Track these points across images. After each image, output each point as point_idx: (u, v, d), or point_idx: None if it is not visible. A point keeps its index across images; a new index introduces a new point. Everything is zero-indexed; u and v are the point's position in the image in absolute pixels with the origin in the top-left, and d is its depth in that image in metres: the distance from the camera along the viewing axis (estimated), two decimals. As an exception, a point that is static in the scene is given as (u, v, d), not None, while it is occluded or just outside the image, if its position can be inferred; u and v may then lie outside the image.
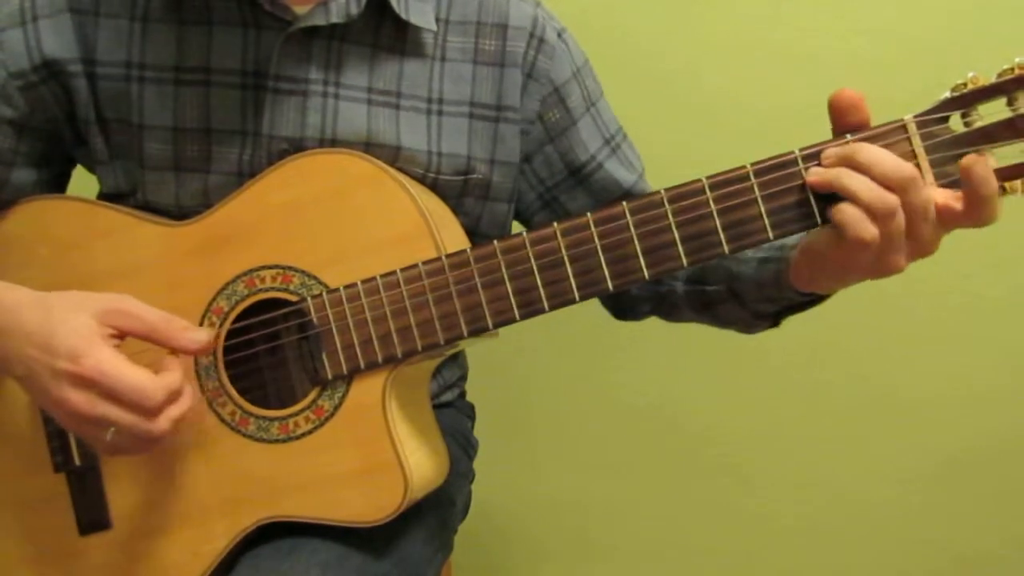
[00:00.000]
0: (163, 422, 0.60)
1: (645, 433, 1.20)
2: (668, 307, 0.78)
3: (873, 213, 0.55)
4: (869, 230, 0.55)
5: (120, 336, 0.61)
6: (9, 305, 0.62)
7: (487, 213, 0.76)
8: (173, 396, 0.60)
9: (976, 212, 0.55)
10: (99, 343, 0.59)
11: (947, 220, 0.56)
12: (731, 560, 1.21)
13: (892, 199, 0.55)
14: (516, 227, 0.79)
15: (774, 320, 0.72)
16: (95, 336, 0.60)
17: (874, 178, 0.55)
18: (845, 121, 0.58)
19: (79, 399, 0.59)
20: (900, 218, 0.55)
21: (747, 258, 0.69)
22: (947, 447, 1.15)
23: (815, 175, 0.58)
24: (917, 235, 0.56)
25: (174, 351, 0.62)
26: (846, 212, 0.56)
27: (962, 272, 1.10)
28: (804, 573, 1.21)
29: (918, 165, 0.57)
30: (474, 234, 0.75)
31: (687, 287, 0.75)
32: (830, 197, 0.57)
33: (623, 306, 0.82)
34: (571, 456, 1.22)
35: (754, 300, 0.69)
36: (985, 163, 0.54)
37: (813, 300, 0.67)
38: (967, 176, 0.55)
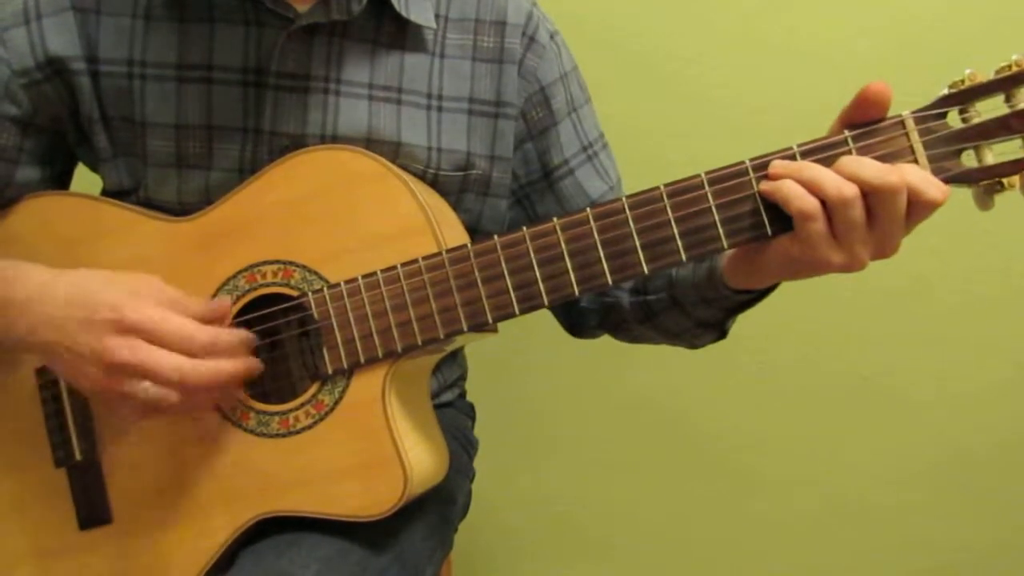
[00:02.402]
0: (203, 370, 0.60)
1: (645, 433, 1.20)
2: (615, 320, 0.78)
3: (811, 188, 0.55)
4: (809, 201, 0.55)
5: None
6: (35, 277, 0.63)
7: (487, 209, 0.76)
8: (217, 347, 0.61)
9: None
10: (140, 296, 0.61)
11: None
12: (731, 560, 1.21)
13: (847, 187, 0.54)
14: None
15: (720, 331, 0.72)
16: (134, 293, 0.61)
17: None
18: (864, 114, 0.57)
19: (119, 343, 0.59)
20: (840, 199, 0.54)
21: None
22: (947, 447, 1.15)
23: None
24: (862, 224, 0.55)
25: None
26: (785, 186, 0.56)
27: (962, 272, 1.10)
28: (803, 573, 1.20)
29: (916, 161, 0.58)
30: (475, 231, 0.75)
31: (632, 298, 0.75)
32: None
33: (573, 320, 0.82)
34: (571, 456, 1.22)
35: (692, 304, 0.70)
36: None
37: (752, 299, 0.67)
38: None
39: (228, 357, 0.63)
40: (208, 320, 0.63)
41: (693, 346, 0.76)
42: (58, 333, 0.61)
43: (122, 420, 0.67)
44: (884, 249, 0.57)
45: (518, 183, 0.78)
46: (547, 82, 0.75)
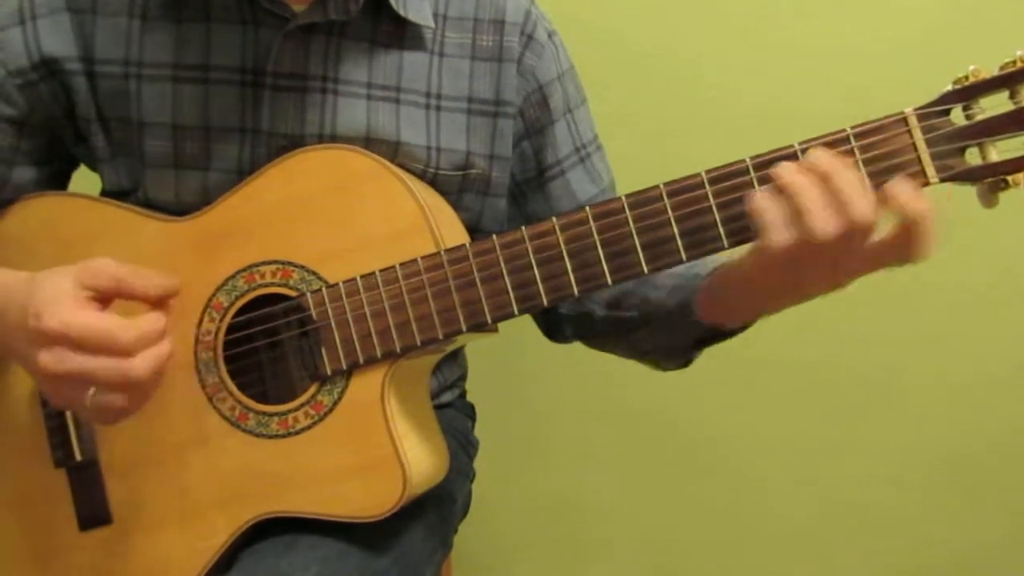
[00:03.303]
0: (141, 362, 0.57)
1: (645, 433, 1.20)
2: (587, 331, 0.78)
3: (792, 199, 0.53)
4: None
5: (100, 300, 0.60)
6: (4, 286, 0.62)
7: (487, 209, 0.76)
8: (147, 337, 0.58)
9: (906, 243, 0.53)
10: (66, 301, 0.57)
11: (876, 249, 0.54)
12: (731, 560, 1.21)
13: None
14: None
15: (685, 358, 0.72)
16: (64, 296, 0.58)
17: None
18: None
19: (47, 358, 0.56)
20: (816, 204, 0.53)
21: (661, 284, 0.69)
22: (946, 447, 1.14)
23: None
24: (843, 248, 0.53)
25: (146, 302, 0.61)
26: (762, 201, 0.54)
27: (962, 272, 1.09)
28: (803, 572, 1.20)
29: (919, 159, 0.57)
30: (475, 230, 0.75)
31: (605, 312, 0.75)
32: None
33: (550, 325, 0.82)
34: (571, 456, 1.22)
35: (661, 328, 0.69)
36: (918, 195, 0.52)
37: (716, 335, 0.67)
38: (896, 203, 0.52)
39: (163, 341, 0.59)
40: (157, 296, 0.61)
41: (659, 367, 0.76)
42: (16, 343, 0.60)
43: (89, 423, 0.66)
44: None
45: (514, 180, 0.78)
46: (545, 81, 0.75)
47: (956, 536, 1.15)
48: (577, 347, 1.11)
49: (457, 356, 0.90)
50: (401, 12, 0.69)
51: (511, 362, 1.19)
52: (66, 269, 0.60)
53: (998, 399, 1.12)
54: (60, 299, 0.58)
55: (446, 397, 0.88)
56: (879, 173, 0.57)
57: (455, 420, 0.88)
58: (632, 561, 1.23)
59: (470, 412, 0.94)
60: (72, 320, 0.57)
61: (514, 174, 0.77)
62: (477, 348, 0.87)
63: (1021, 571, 1.14)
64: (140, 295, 0.61)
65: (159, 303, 0.62)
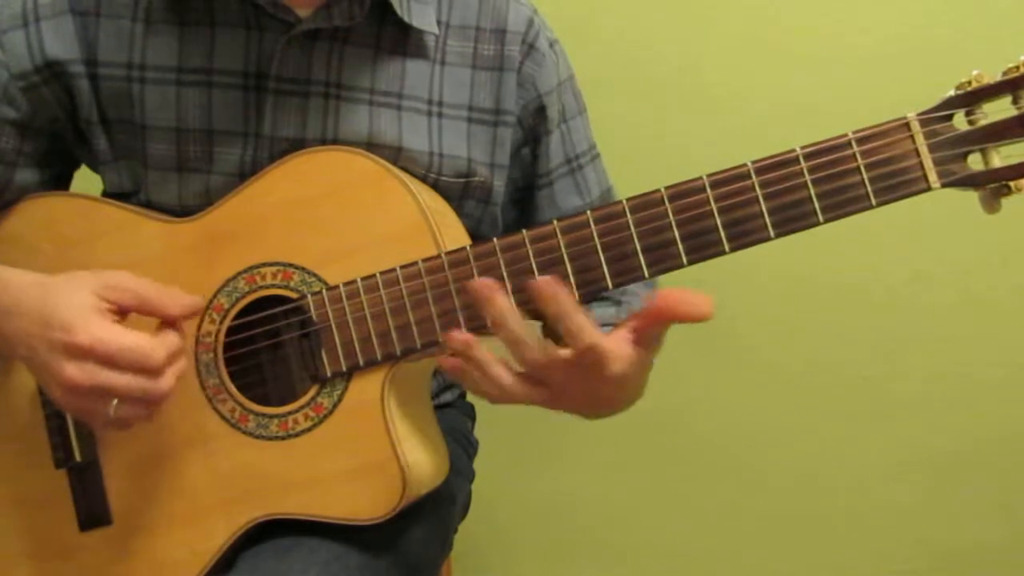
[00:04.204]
0: (168, 379, 0.60)
1: (645, 433, 1.20)
2: None
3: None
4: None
5: (119, 312, 0.61)
6: (13, 287, 0.63)
7: (487, 217, 0.76)
8: (173, 356, 0.61)
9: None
10: (94, 315, 0.59)
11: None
12: (731, 560, 1.21)
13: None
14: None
15: None
16: (90, 310, 0.59)
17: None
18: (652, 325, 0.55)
19: (76, 371, 0.57)
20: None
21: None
22: (946, 446, 1.14)
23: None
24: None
25: (168, 320, 0.62)
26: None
27: (962, 271, 1.09)
28: (803, 572, 1.20)
29: (921, 164, 0.57)
30: (474, 237, 0.75)
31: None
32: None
33: None
34: (571, 456, 1.22)
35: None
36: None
37: None
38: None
39: (182, 356, 0.62)
40: (181, 316, 0.62)
41: None
42: (28, 349, 0.60)
43: (99, 432, 0.67)
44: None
45: (515, 185, 0.78)
46: (544, 91, 0.75)
47: (957, 536, 1.15)
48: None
49: (458, 356, 0.89)
50: (405, 18, 0.69)
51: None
52: (83, 279, 0.61)
53: (998, 399, 1.12)
54: (88, 313, 0.59)
55: (446, 397, 0.88)
56: (881, 178, 0.57)
57: (455, 420, 0.88)
58: (632, 561, 1.23)
59: (470, 412, 0.94)
60: (105, 336, 0.58)
61: (514, 180, 0.77)
62: (477, 349, 0.87)
63: (1020, 571, 1.14)
64: (162, 315, 0.62)
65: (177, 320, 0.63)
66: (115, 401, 0.58)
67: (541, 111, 0.75)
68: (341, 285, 0.64)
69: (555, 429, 1.22)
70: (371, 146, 0.69)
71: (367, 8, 0.68)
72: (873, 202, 0.58)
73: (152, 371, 0.59)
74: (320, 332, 0.65)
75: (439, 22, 0.72)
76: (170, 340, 0.61)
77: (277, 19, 0.68)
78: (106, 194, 0.75)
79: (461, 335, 0.56)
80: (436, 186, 0.72)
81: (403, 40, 0.71)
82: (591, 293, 0.61)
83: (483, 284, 0.55)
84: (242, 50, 0.69)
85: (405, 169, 0.70)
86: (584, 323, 0.54)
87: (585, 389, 0.57)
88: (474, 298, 0.55)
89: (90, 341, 0.57)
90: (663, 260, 0.60)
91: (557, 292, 0.53)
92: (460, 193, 0.73)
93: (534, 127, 0.75)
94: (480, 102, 0.72)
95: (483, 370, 0.56)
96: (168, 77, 0.69)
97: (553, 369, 0.55)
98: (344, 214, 0.65)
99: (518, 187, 0.78)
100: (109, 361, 0.58)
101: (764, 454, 1.18)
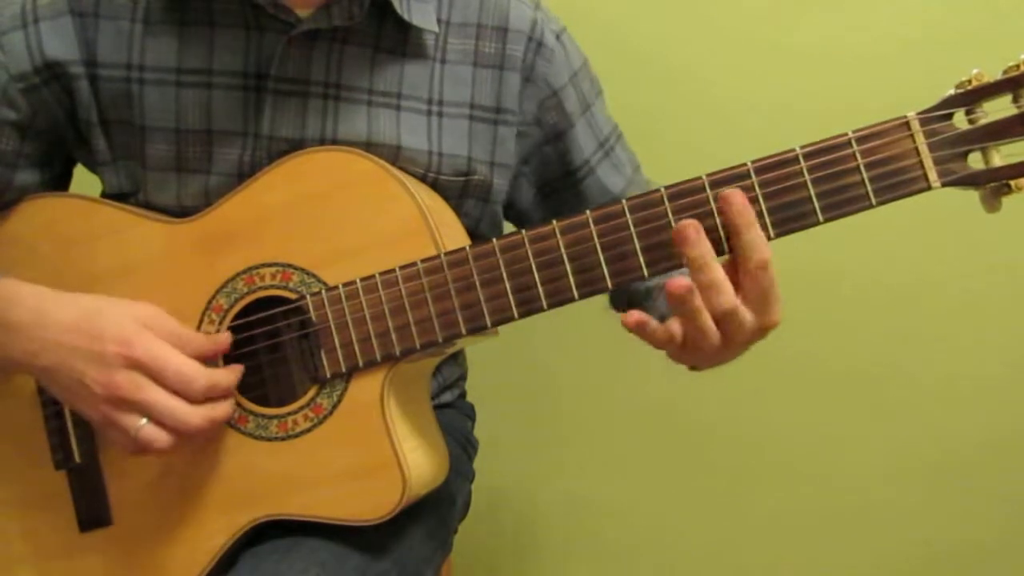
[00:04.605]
0: (199, 415, 0.61)
1: (645, 433, 1.20)
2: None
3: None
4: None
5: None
6: (40, 301, 0.64)
7: (487, 215, 0.76)
8: (215, 391, 0.63)
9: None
10: (148, 333, 0.62)
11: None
12: (732, 559, 1.21)
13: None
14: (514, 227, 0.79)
15: None
16: (143, 327, 0.62)
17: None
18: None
19: (126, 380, 0.60)
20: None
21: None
22: (946, 446, 1.14)
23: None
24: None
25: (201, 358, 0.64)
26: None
27: (962, 272, 1.09)
28: (804, 572, 1.20)
29: (921, 163, 0.57)
30: (473, 235, 0.75)
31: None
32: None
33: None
34: (571, 456, 1.22)
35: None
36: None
37: None
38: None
39: (223, 399, 0.64)
40: (209, 356, 0.64)
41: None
42: (62, 359, 0.61)
43: (111, 445, 0.68)
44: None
45: (542, 180, 0.78)
46: (558, 86, 0.74)
47: (957, 535, 1.15)
48: (577, 347, 1.11)
49: (457, 356, 0.90)
50: (405, 17, 0.69)
51: (511, 362, 1.19)
52: (124, 305, 0.64)
53: (998, 399, 1.12)
54: (142, 330, 0.62)
55: (446, 397, 0.88)
56: (881, 177, 0.57)
57: (455, 420, 0.88)
58: (632, 561, 1.23)
59: (470, 412, 0.94)
60: (159, 353, 0.61)
61: (541, 176, 0.78)
62: (477, 348, 0.87)
63: (1020, 571, 1.14)
64: (191, 352, 0.63)
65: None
66: (144, 420, 0.60)
67: (559, 107, 0.75)
68: (340, 286, 0.64)
69: (555, 429, 1.22)
70: (370, 146, 0.69)
71: (366, 7, 0.68)
72: (873, 202, 0.57)
73: (191, 397, 0.61)
74: (319, 333, 0.65)
75: (440, 20, 0.71)
76: (218, 375, 0.63)
77: (277, 19, 0.68)
78: (105, 195, 0.75)
79: (633, 316, 0.57)
80: (435, 185, 0.72)
81: (403, 39, 0.71)
82: (590, 293, 0.61)
83: (686, 224, 0.56)
84: (242, 50, 0.69)
85: (404, 169, 0.70)
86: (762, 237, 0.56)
87: (748, 332, 0.58)
88: (676, 239, 0.56)
89: (145, 356, 0.60)
90: (662, 260, 0.60)
91: (746, 203, 0.56)
92: (460, 192, 0.73)
93: (555, 124, 0.75)
94: (481, 100, 0.72)
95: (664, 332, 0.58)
96: (167, 78, 0.69)
97: (737, 314, 0.56)
98: (343, 215, 0.65)
99: (546, 182, 0.78)
100: (158, 376, 0.61)
101: (764, 454, 1.18)
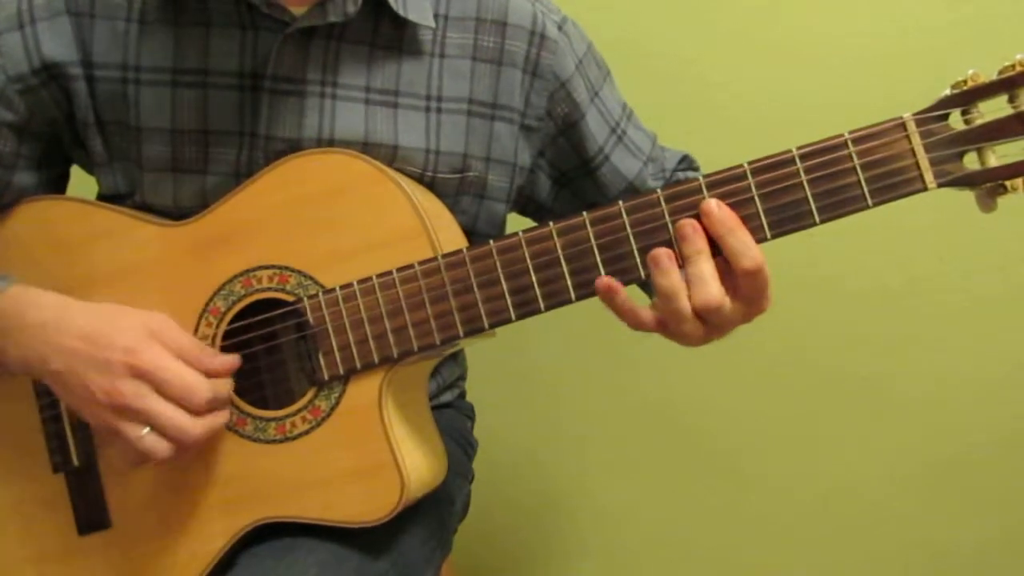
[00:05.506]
0: (200, 426, 0.62)
1: (645, 433, 1.20)
2: None
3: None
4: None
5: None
6: (52, 307, 0.64)
7: (483, 212, 0.76)
8: (217, 403, 0.63)
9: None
10: (154, 343, 0.62)
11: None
12: (731, 560, 1.21)
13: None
14: (517, 226, 0.79)
15: None
16: (151, 338, 0.62)
17: None
18: None
19: (130, 388, 0.60)
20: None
21: None
22: (946, 447, 1.14)
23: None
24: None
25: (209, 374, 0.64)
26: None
27: (962, 272, 1.09)
28: (803, 572, 1.20)
29: (918, 164, 0.57)
30: (471, 233, 0.75)
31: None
32: None
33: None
34: (571, 456, 1.22)
35: None
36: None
37: None
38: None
39: (223, 410, 0.64)
40: (215, 375, 0.64)
41: None
42: (71, 365, 0.62)
43: (111, 455, 0.68)
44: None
45: (558, 171, 0.78)
46: (566, 76, 0.74)
47: (957, 536, 1.15)
48: (577, 347, 1.10)
49: (457, 356, 0.90)
50: (401, 12, 0.69)
51: (511, 362, 1.19)
52: (134, 314, 0.64)
53: (997, 399, 1.12)
54: (150, 340, 0.62)
55: (446, 397, 0.88)
56: (877, 178, 0.57)
57: (454, 420, 0.88)
58: (632, 561, 1.23)
59: (469, 412, 0.94)
60: (163, 364, 0.61)
61: (557, 166, 0.78)
62: (476, 348, 0.87)
63: (1020, 571, 1.14)
64: (198, 367, 0.64)
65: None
66: (147, 429, 0.61)
67: (569, 97, 0.74)
68: (338, 288, 0.64)
69: (555, 429, 1.22)
70: (367, 145, 0.69)
71: (360, 3, 0.67)
72: (870, 202, 0.58)
73: (193, 409, 0.61)
74: (317, 335, 0.65)
75: (437, 15, 0.71)
76: (220, 386, 0.63)
77: (272, 18, 0.68)
78: (102, 197, 0.75)
79: (604, 281, 0.59)
80: (432, 183, 0.72)
81: (399, 36, 0.70)
82: (587, 295, 0.61)
83: (684, 224, 0.58)
84: (237, 50, 0.69)
85: (401, 168, 0.70)
86: (751, 240, 0.58)
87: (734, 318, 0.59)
88: (676, 236, 0.58)
89: (149, 366, 0.61)
90: (659, 261, 0.60)
91: (724, 211, 0.58)
92: (456, 189, 0.73)
93: (567, 115, 0.75)
94: (479, 95, 0.72)
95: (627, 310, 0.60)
96: (163, 78, 0.69)
97: (722, 310, 0.58)
98: (340, 217, 0.65)
99: (563, 173, 0.78)
100: (161, 386, 0.61)
101: (764, 455, 1.18)
